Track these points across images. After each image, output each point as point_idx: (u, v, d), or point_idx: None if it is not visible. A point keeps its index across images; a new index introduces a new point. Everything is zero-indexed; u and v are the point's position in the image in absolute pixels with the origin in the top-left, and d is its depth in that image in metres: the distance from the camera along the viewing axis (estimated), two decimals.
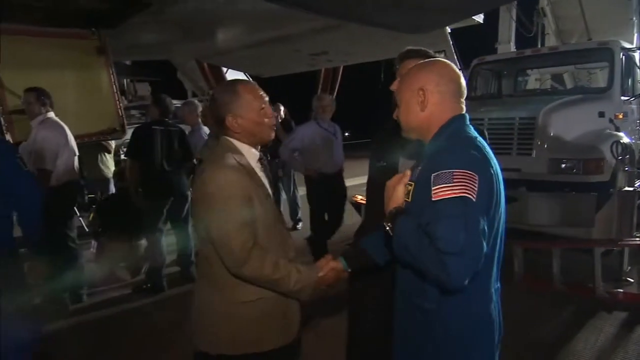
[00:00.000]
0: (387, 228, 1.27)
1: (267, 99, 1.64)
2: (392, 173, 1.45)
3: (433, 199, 1.15)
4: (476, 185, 1.14)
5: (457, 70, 1.36)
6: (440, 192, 1.14)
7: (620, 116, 5.22)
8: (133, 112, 10.11)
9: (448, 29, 8.03)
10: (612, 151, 4.28)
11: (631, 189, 4.33)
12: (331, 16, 5.99)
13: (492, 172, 1.23)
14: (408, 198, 1.31)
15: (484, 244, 1.14)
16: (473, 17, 7.79)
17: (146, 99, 11.78)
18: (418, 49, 2.07)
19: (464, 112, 1.34)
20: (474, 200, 1.13)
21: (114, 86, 5.22)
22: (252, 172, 1.60)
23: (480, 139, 1.29)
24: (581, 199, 4.21)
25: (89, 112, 4.88)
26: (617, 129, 5.09)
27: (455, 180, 1.14)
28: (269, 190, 1.66)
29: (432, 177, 1.17)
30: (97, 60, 5.02)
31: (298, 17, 5.98)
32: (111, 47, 5.13)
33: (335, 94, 14.16)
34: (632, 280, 3.98)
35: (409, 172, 1.36)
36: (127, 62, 11.80)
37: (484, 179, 1.18)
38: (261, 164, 1.68)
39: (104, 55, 5.06)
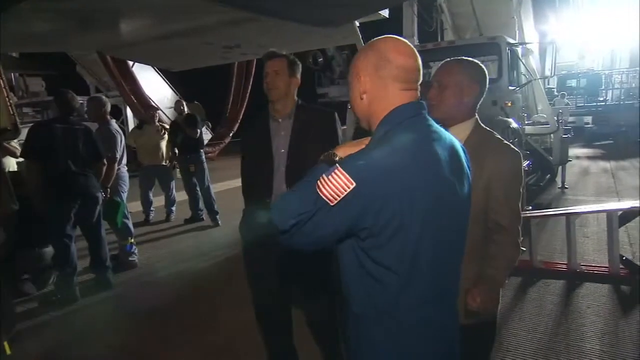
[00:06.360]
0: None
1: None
2: None
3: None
4: (343, 193, 1.02)
5: (409, 49, 1.15)
6: (321, 179, 1.05)
7: (509, 104, 5.88)
8: (26, 109, 9.16)
9: (357, 23, 8.37)
10: (503, 136, 4.81)
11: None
12: (242, 9, 5.94)
13: (401, 188, 1.04)
14: None
15: (317, 244, 1.10)
16: (379, 12, 8.22)
17: (40, 95, 10.72)
18: (280, 52, 2.08)
19: (412, 100, 1.15)
20: (331, 205, 1.03)
21: (1, 81, 4.70)
22: None
23: (426, 140, 1.11)
24: None
25: None
26: (507, 115, 5.73)
27: (330, 177, 1.04)
28: None
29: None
30: None
31: (209, 9, 5.83)
32: None
33: (249, 87, 14.05)
34: (524, 249, 4.52)
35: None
36: (15, 55, 10.59)
37: (372, 191, 1.03)
38: None
39: None
